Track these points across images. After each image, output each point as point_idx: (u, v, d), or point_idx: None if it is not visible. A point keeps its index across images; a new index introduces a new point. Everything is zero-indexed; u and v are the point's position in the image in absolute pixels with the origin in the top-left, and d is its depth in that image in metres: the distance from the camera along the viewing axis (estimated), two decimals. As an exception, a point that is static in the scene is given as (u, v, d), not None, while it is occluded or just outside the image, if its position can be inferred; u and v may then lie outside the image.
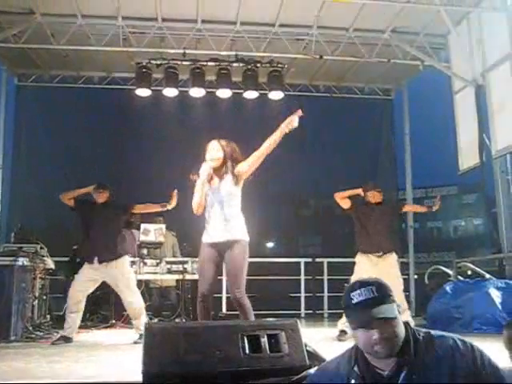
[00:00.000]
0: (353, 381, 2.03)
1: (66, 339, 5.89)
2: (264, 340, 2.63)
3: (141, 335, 5.77)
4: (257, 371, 2.52)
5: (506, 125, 7.77)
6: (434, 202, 6.98)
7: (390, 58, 9.48)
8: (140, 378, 2.46)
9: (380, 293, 1.98)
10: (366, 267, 6.22)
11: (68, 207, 6.15)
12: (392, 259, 6.37)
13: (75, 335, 6.07)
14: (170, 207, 6.14)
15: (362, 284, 2.01)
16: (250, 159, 4.32)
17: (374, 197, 6.44)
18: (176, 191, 6.00)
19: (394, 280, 5.82)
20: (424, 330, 2.03)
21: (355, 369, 2.04)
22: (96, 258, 5.96)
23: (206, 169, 4.18)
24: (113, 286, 6.20)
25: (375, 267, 6.19)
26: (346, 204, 6.50)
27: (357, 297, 1.98)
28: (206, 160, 4.25)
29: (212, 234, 4.19)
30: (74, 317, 5.99)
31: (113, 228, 6.18)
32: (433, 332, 2.00)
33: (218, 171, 4.26)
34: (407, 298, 10.67)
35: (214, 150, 4.29)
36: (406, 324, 2.03)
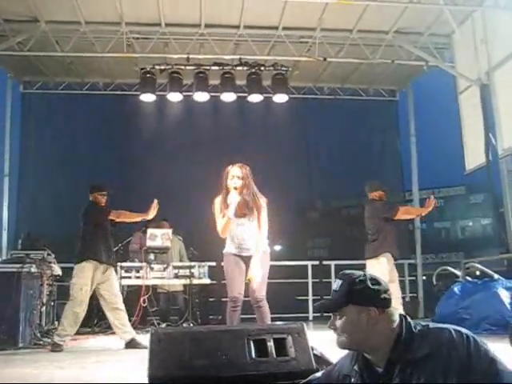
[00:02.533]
0: (353, 379, 2.02)
1: (59, 347, 5.82)
2: (270, 344, 2.60)
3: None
4: (263, 375, 2.50)
5: (511, 123, 7.73)
6: (427, 204, 6.63)
7: (394, 59, 9.47)
8: (146, 383, 2.46)
9: (341, 288, 2.03)
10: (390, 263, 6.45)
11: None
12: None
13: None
14: (148, 218, 6.13)
15: (339, 275, 2.10)
16: (263, 230, 4.63)
17: (386, 196, 6.59)
18: (156, 202, 6.03)
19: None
20: (423, 323, 1.98)
21: (355, 367, 2.03)
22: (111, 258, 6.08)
23: (235, 201, 4.49)
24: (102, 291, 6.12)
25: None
26: (398, 216, 6.52)
27: (333, 285, 2.09)
28: (231, 187, 4.54)
29: (245, 248, 4.59)
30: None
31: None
32: (431, 325, 1.95)
33: (242, 205, 4.56)
34: (415, 298, 10.68)
35: (236, 178, 4.57)
36: (402, 317, 1.99)
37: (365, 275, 2.04)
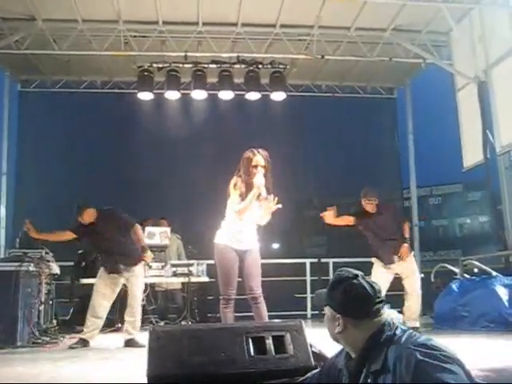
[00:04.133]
0: (345, 372, 2.04)
1: (84, 342, 5.91)
2: (269, 341, 2.61)
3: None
4: (262, 373, 2.50)
5: (509, 121, 7.74)
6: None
7: (392, 57, 9.46)
8: (145, 381, 2.46)
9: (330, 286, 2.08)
10: (380, 269, 6.52)
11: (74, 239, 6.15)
12: (411, 259, 6.65)
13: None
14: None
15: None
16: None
17: (366, 206, 6.47)
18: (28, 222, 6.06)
19: (413, 274, 6.51)
20: (424, 341, 1.82)
21: (346, 364, 2.05)
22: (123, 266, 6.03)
23: (262, 182, 4.39)
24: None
25: (396, 268, 6.52)
26: (347, 222, 6.55)
27: None
28: (258, 174, 4.43)
29: (242, 241, 4.48)
30: (97, 321, 6.02)
31: (116, 236, 6.14)
32: (406, 337, 1.85)
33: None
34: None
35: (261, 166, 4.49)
36: (383, 323, 1.95)
37: (348, 279, 2.01)
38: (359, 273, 2.05)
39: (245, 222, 4.48)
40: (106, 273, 6.06)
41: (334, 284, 2.05)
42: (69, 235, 6.07)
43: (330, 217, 6.28)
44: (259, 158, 4.48)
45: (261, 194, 4.38)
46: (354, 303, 1.97)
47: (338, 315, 1.99)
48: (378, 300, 1.98)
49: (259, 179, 4.37)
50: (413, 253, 6.83)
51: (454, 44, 9.14)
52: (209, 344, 2.55)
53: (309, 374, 2.36)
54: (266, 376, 2.50)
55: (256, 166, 4.44)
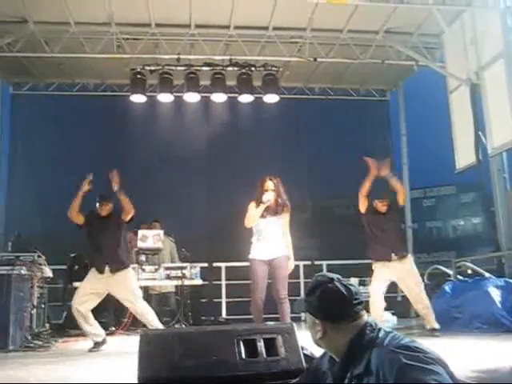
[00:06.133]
0: (329, 373, 2.04)
1: (99, 344, 5.88)
2: (260, 344, 2.60)
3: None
4: (253, 375, 2.50)
5: (501, 122, 7.76)
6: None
7: (385, 59, 9.48)
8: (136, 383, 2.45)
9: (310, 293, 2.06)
10: (383, 270, 6.49)
11: (76, 225, 6.07)
12: (409, 260, 6.62)
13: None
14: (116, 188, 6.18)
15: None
16: (287, 232, 5.62)
17: (377, 207, 6.55)
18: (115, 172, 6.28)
19: (414, 277, 6.51)
20: (407, 343, 1.82)
21: (330, 368, 2.05)
22: (107, 268, 5.93)
23: (270, 198, 5.47)
24: (117, 297, 6.13)
25: (393, 269, 6.47)
26: (363, 206, 6.57)
27: None
28: (270, 193, 5.50)
29: (265, 252, 5.44)
30: (90, 327, 5.93)
31: (118, 238, 6.12)
32: (389, 339, 1.85)
33: (272, 206, 5.53)
34: (407, 298, 10.68)
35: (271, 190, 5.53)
36: (364, 325, 1.95)
37: (323, 284, 2.02)
38: (335, 276, 2.04)
39: (267, 234, 5.47)
40: (93, 275, 6.00)
41: (310, 290, 2.05)
42: (79, 216, 6.06)
43: (384, 170, 6.46)
44: (269, 183, 5.53)
45: (269, 208, 5.45)
46: (330, 307, 1.97)
47: (317, 321, 1.99)
48: (355, 302, 1.97)
49: (266, 196, 5.43)
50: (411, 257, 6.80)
51: (446, 46, 9.17)
52: (200, 347, 2.54)
53: (301, 377, 2.36)
54: (258, 379, 2.50)
55: (267, 190, 5.48)
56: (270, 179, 5.55)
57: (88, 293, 5.87)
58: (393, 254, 6.48)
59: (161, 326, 6.07)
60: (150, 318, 6.10)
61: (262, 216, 5.45)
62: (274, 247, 5.45)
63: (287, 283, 5.42)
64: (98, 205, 6.12)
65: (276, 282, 5.38)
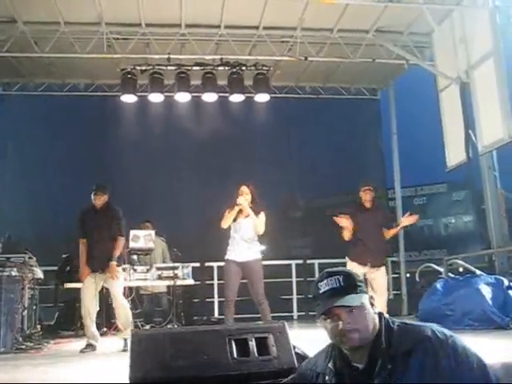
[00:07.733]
0: (327, 377, 2.01)
1: (93, 347, 5.92)
2: (252, 343, 2.59)
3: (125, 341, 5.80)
4: (245, 375, 2.49)
5: (491, 121, 7.80)
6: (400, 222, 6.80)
7: (375, 58, 9.50)
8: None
9: (346, 282, 1.96)
10: (355, 267, 6.27)
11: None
12: (383, 271, 6.50)
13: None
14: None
15: (330, 274, 2.00)
16: (261, 231, 6.02)
17: (363, 197, 6.46)
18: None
19: (382, 289, 6.35)
20: (398, 320, 1.98)
21: (330, 365, 2.02)
22: (99, 267, 6.02)
23: (241, 202, 5.88)
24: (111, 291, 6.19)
25: (366, 270, 6.34)
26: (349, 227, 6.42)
27: (323, 286, 1.98)
28: (242, 197, 5.92)
29: (238, 254, 5.87)
30: (94, 329, 6.05)
31: (109, 235, 6.15)
32: (408, 322, 1.95)
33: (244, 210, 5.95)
34: (399, 296, 10.74)
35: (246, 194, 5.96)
36: (380, 314, 1.98)
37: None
38: None
39: (239, 237, 5.90)
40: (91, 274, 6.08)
41: (347, 274, 2.05)
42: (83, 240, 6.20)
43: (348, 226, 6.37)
44: (243, 188, 5.95)
45: (242, 211, 5.89)
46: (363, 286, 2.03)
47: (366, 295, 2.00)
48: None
49: (240, 200, 5.85)
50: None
51: (436, 45, 9.20)
52: (191, 347, 2.53)
53: (292, 376, 2.34)
54: (250, 378, 2.49)
55: (242, 194, 5.90)
56: (246, 185, 6.00)
57: (93, 294, 6.01)
58: (369, 263, 6.34)
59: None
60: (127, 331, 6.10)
61: (235, 219, 5.91)
62: (246, 250, 5.87)
63: (263, 285, 5.89)
64: (92, 195, 6.16)
65: (252, 287, 5.86)
